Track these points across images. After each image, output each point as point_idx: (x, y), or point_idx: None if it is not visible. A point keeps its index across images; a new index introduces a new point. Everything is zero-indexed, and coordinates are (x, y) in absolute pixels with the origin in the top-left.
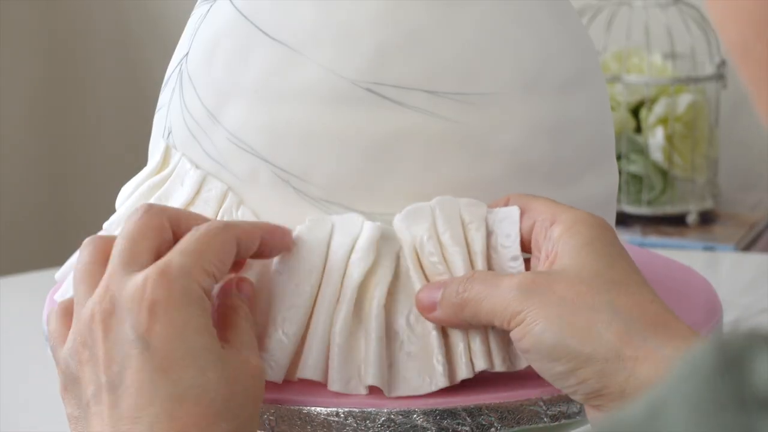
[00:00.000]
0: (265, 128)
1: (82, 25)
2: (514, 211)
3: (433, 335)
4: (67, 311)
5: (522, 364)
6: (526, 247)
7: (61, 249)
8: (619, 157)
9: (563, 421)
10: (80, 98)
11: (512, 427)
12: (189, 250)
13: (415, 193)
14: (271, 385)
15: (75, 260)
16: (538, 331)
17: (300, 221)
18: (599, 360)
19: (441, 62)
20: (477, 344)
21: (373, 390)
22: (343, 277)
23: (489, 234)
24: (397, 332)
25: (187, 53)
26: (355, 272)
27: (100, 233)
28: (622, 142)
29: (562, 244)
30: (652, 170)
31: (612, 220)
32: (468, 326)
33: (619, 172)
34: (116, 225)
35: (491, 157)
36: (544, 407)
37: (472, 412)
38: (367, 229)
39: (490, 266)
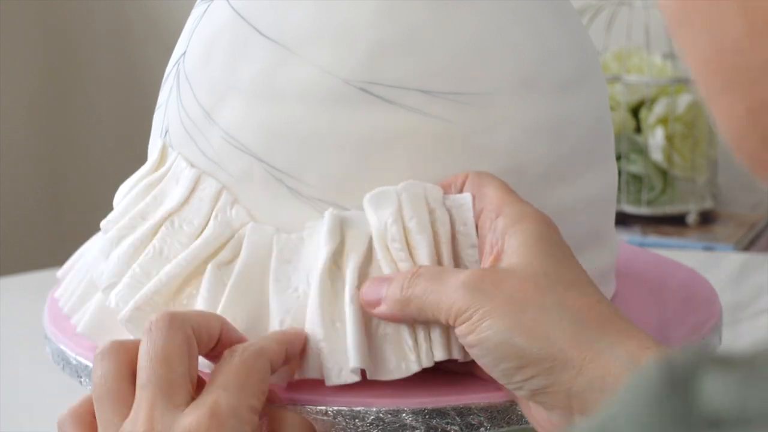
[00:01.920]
0: (259, 127)
1: (81, 24)
2: (467, 197)
3: None
4: (84, 422)
5: None
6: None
7: (61, 249)
8: (619, 157)
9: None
10: (80, 98)
11: (501, 427)
12: (232, 385)
13: None
14: None
15: (95, 375)
16: (484, 329)
17: (293, 220)
18: (546, 359)
19: (436, 62)
20: (437, 333)
21: (363, 389)
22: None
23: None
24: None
25: (185, 52)
26: (320, 259)
27: (106, 286)
28: (622, 142)
29: (508, 238)
30: (652, 170)
31: (611, 220)
32: (413, 321)
33: (619, 172)
34: (113, 223)
35: (487, 158)
36: None
37: (462, 411)
38: (327, 216)
39: (453, 254)
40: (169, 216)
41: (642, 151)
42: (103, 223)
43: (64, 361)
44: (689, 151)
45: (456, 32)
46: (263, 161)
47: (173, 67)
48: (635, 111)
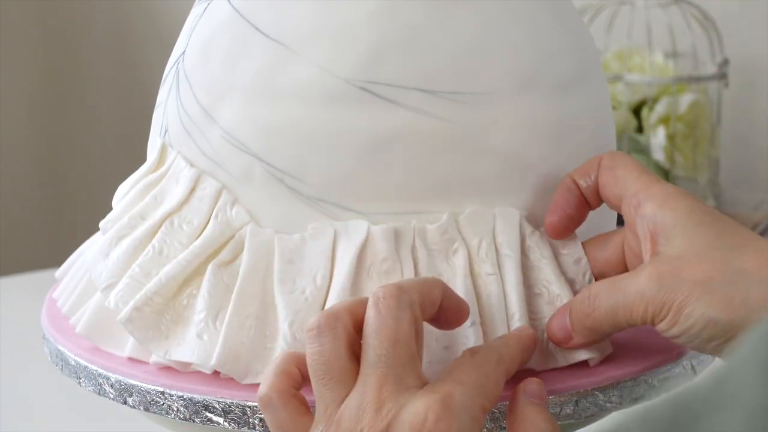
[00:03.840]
0: (259, 127)
1: (81, 24)
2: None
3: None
4: (292, 397)
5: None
6: (612, 203)
7: (61, 249)
8: None
9: (557, 423)
10: (80, 98)
11: (504, 429)
12: (471, 383)
13: (410, 192)
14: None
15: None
16: (684, 320)
17: (294, 220)
18: (748, 323)
19: (437, 61)
20: None
21: None
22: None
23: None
24: (428, 331)
25: (184, 51)
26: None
27: (105, 286)
28: (624, 142)
29: (660, 222)
30: (653, 170)
31: (613, 220)
32: (604, 337)
33: None
34: (113, 223)
35: (487, 157)
36: None
37: None
38: (380, 239)
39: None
40: (169, 216)
41: (643, 150)
42: (102, 223)
43: (62, 362)
44: (691, 150)
45: (456, 31)
46: (263, 161)
47: (173, 66)
48: (636, 110)
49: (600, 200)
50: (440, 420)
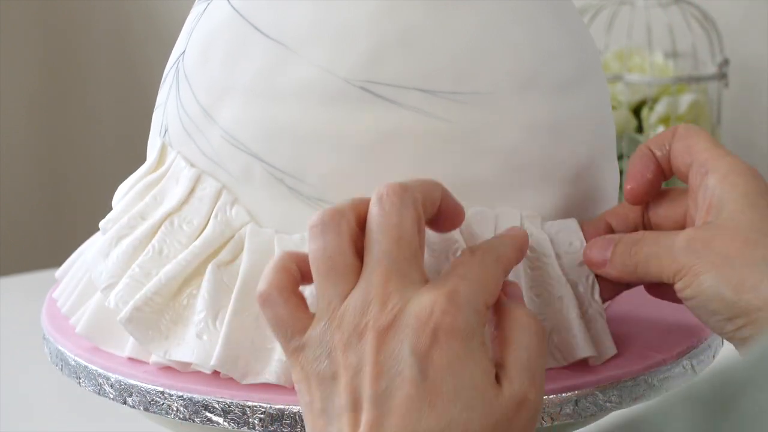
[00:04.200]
0: (259, 127)
1: (81, 24)
2: (572, 222)
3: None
4: (293, 293)
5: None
6: (681, 172)
7: (61, 249)
8: (620, 157)
9: (555, 422)
10: (80, 98)
11: None
12: (474, 279)
13: None
14: (261, 386)
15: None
16: (696, 285)
17: (293, 219)
18: (753, 310)
19: (437, 61)
20: None
21: None
22: None
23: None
24: None
25: (184, 51)
26: None
27: (105, 286)
28: (624, 142)
29: (718, 193)
30: None
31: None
32: (634, 281)
33: (621, 172)
34: (113, 223)
35: (486, 157)
36: None
37: None
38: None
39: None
40: (169, 216)
41: None
42: (102, 223)
43: (62, 362)
44: None
45: (456, 31)
46: (263, 160)
47: (172, 66)
48: (636, 110)
49: (672, 170)
50: (446, 313)
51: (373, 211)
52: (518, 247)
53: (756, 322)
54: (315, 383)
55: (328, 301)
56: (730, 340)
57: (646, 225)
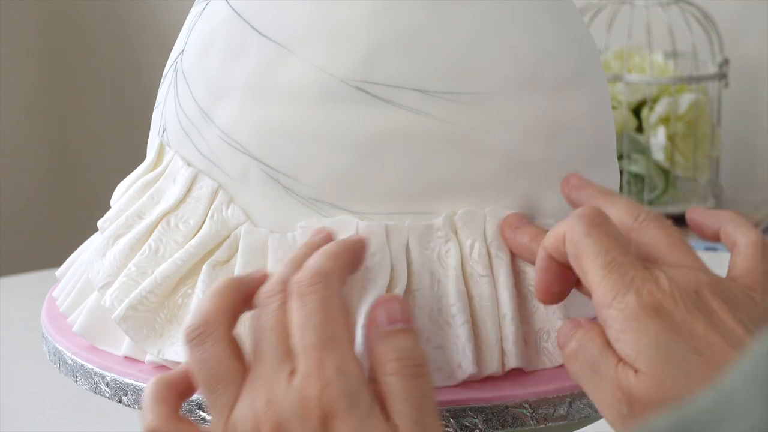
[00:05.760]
0: (255, 126)
1: (81, 24)
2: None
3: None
4: (178, 417)
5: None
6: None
7: (61, 249)
8: (620, 157)
9: (549, 423)
10: (79, 98)
11: (497, 429)
12: (323, 339)
13: (406, 193)
14: None
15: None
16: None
17: (290, 220)
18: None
19: (434, 61)
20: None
21: None
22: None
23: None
24: (421, 330)
25: (183, 51)
26: (379, 281)
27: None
28: (624, 142)
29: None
30: (653, 170)
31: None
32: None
33: (621, 172)
34: (110, 222)
35: (484, 157)
36: (529, 410)
37: (456, 413)
38: (369, 234)
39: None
40: (166, 215)
41: (644, 150)
42: (100, 222)
43: (60, 360)
44: (691, 150)
45: (453, 31)
46: (259, 160)
47: (171, 65)
48: (637, 110)
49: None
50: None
51: (257, 313)
52: (338, 256)
53: None
54: None
55: (219, 412)
56: None
57: None
